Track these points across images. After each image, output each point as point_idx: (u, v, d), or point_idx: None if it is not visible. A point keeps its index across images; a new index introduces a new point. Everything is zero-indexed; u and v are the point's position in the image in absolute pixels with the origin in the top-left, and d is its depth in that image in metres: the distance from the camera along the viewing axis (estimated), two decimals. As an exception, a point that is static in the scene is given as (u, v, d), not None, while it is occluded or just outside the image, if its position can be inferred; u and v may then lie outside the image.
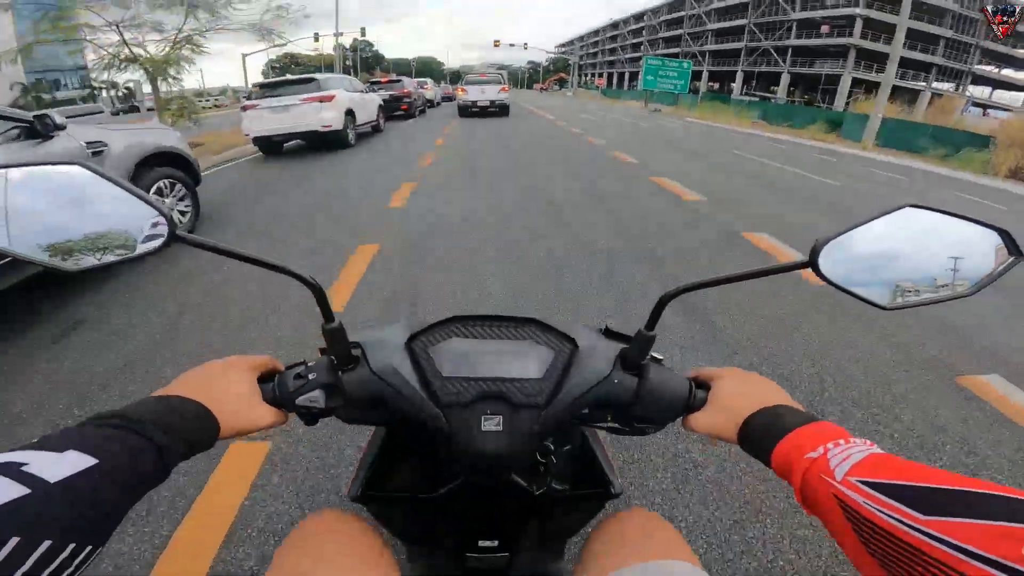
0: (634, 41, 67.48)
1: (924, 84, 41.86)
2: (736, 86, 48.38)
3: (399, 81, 18.39)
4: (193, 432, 0.42)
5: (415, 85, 20.64)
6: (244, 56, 39.48)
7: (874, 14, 38.65)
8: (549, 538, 0.71)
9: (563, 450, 0.63)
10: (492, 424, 0.51)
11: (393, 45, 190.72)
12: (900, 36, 20.70)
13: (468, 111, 18.51)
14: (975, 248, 0.48)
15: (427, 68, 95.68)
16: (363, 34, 42.27)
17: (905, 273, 0.49)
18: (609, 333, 0.58)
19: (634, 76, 68.50)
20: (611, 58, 77.80)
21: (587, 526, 0.74)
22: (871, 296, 0.49)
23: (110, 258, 0.45)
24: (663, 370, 0.54)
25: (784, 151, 12.68)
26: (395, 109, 17.10)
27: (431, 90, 27.68)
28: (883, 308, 0.49)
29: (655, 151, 10.77)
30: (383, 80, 18.74)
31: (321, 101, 9.11)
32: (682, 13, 55.10)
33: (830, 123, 21.39)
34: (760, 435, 0.45)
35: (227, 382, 0.49)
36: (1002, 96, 45.84)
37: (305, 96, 9.01)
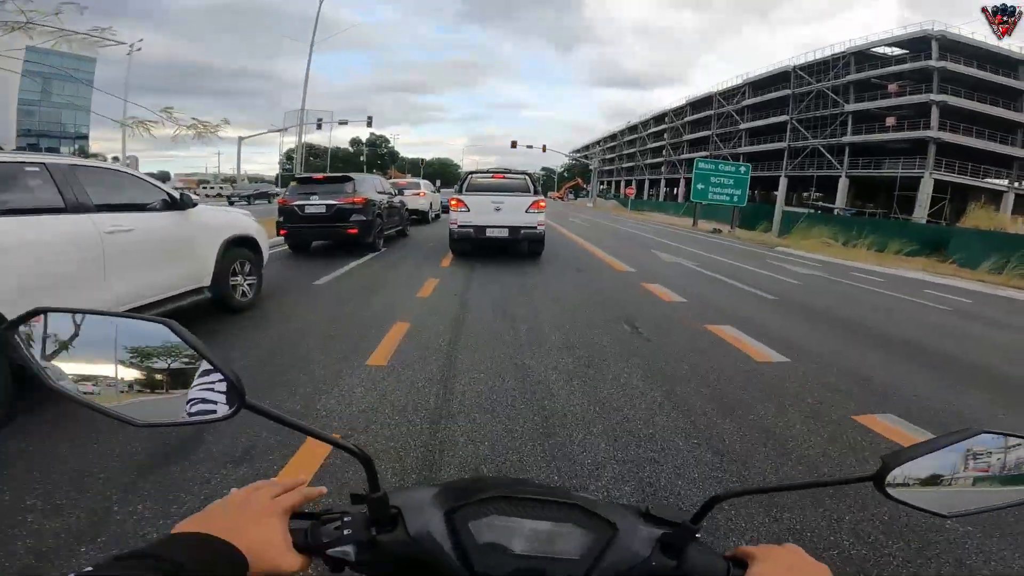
0: (654, 145, 63.70)
1: (1006, 183, 34.40)
2: (780, 194, 41.74)
3: (346, 180, 9.75)
4: (221, 572, 0.41)
5: (378, 187, 11.10)
6: (240, 139, 34.46)
7: (952, 100, 32.25)
8: None
9: None
10: None
11: (416, 146, 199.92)
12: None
13: (469, 244, 9.69)
14: None
15: (442, 170, 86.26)
16: (369, 124, 37.64)
17: (969, 485, 0.49)
18: (650, 517, 0.58)
19: (654, 183, 63.71)
20: (629, 164, 73.94)
21: None
22: (933, 507, 0.50)
23: (176, 420, 0.49)
24: (702, 552, 0.55)
25: None
26: (335, 233, 9.51)
27: (425, 196, 19.38)
28: (944, 517, 0.52)
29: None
30: (316, 177, 10.31)
31: None
32: (709, 112, 50.83)
33: (925, 242, 17.31)
34: None
35: (258, 525, 0.47)
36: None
37: None
